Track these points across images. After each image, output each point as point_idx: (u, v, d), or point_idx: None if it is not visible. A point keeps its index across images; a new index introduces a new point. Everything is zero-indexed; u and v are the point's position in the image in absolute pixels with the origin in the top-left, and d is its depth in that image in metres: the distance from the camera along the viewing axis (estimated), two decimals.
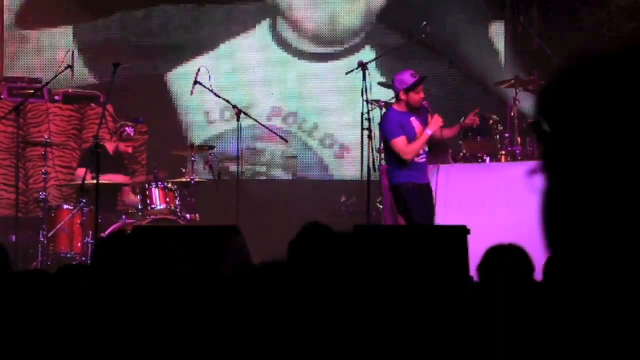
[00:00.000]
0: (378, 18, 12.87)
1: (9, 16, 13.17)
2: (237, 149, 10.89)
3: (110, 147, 11.05)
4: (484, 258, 4.28)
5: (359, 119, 9.96)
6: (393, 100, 10.97)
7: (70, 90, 12.19)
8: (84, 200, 10.43)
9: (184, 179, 10.87)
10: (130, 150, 11.29)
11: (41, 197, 10.36)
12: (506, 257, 4.40)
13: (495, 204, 9.39)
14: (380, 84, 11.14)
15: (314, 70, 12.95)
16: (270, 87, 12.96)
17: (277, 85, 12.96)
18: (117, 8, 13.12)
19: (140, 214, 10.50)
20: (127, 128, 11.20)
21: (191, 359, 3.12)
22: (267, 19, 13.08)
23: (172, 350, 3.15)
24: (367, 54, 12.29)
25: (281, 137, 11.35)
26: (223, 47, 13.07)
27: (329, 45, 12.98)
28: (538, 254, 6.74)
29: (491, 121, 10.29)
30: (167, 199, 10.58)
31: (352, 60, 11.26)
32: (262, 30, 13.07)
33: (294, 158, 12.94)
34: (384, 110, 10.69)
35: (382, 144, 10.52)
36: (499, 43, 12.56)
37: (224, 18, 13.09)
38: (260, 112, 12.39)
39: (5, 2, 13.19)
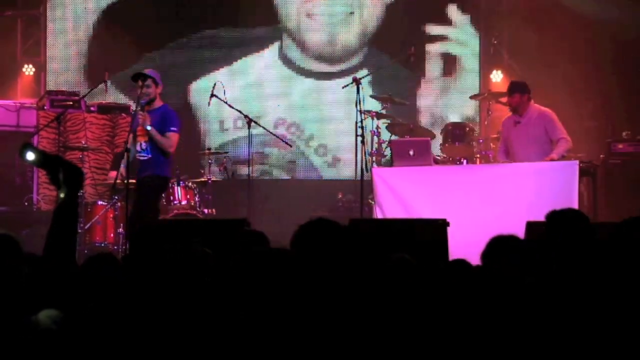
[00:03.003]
0: (372, 41, 12.88)
1: (52, 39, 13.21)
2: (248, 153, 10.89)
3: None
4: (488, 246, 4.22)
5: (354, 127, 9.96)
6: (384, 111, 11.00)
7: (104, 102, 12.21)
8: (116, 197, 10.44)
9: (202, 179, 10.88)
10: None
11: (79, 194, 10.37)
12: (508, 245, 4.30)
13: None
14: (372, 96, 11.15)
15: (315, 86, 12.97)
16: (277, 100, 12.97)
17: (282, 98, 12.97)
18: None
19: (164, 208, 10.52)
20: None
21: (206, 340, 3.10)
22: (277, 41, 13.09)
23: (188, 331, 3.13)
24: (364, 73, 12.34)
25: (286, 143, 11.36)
26: (237, 65, 13.08)
27: (330, 64, 12.99)
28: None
29: (467, 129, 10.29)
30: (188, 196, 10.59)
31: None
32: (271, 50, 13.08)
33: (295, 162, 12.97)
34: (375, 120, 10.72)
35: (374, 148, 10.53)
36: (474, 61, 12.57)
37: (239, 40, 13.10)
38: (268, 122, 12.43)
39: (49, 25, 13.22)
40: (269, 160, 12.96)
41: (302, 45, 13.00)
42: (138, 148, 8.93)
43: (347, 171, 12.40)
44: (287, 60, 13.03)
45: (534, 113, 9.67)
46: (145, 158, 8.88)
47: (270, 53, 13.05)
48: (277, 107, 12.88)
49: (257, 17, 12.98)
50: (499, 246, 4.10)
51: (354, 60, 12.89)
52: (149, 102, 8.92)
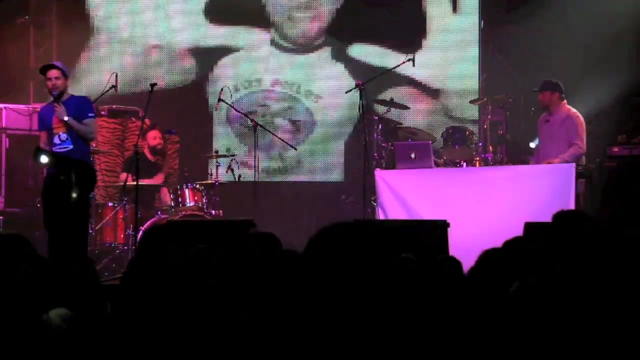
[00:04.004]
0: (329, 27, 12.99)
1: (62, 45, 13.22)
2: (255, 156, 10.89)
3: (146, 151, 11.06)
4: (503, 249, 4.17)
5: (353, 129, 9.96)
6: (386, 115, 10.98)
7: (114, 106, 12.21)
8: (125, 199, 10.44)
9: (209, 181, 10.87)
10: (159, 141, 11.22)
11: (90, 196, 10.36)
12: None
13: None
14: (375, 101, 11.13)
15: (294, 60, 13.09)
16: (268, 70, 13.10)
17: (272, 69, 13.09)
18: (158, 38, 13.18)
19: (173, 210, 10.50)
20: (146, 121, 11.23)
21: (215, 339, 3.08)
22: (265, 30, 13.20)
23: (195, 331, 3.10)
24: (326, 52, 12.76)
25: (291, 146, 11.35)
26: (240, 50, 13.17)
27: (299, 44, 13.13)
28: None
29: (467, 132, 10.27)
30: (196, 198, 10.58)
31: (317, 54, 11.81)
32: (262, 37, 13.19)
33: (300, 162, 12.95)
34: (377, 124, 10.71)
35: (376, 151, 10.51)
36: (474, 67, 12.55)
37: (239, 38, 13.15)
38: (265, 82, 12.85)
39: (59, 31, 13.23)
40: (276, 163, 12.94)
41: (282, 35, 13.13)
42: (57, 140, 8.56)
43: (350, 173, 12.39)
44: (273, 43, 13.19)
45: (563, 114, 9.70)
46: (67, 149, 8.53)
47: (261, 39, 13.19)
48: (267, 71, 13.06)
49: (249, 17, 13.10)
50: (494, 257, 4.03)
51: (319, 42, 13.01)
52: (60, 95, 8.62)
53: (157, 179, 11.02)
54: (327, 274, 3.25)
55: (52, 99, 8.61)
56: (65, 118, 8.46)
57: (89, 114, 8.63)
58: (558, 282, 3.68)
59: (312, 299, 3.12)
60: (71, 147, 8.51)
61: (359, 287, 3.34)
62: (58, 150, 8.51)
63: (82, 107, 8.60)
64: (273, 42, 13.18)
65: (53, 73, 8.60)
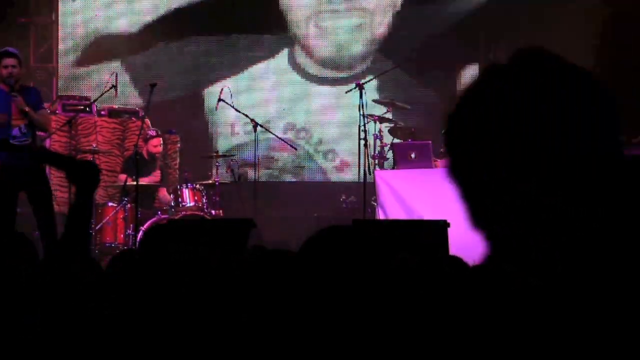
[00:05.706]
0: (380, 48, 12.84)
1: (64, 45, 13.21)
2: (255, 156, 10.89)
3: (144, 152, 11.07)
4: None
5: (357, 130, 9.95)
6: (386, 115, 10.98)
7: (114, 106, 12.21)
8: (125, 199, 10.43)
9: (210, 181, 10.87)
10: (160, 149, 11.22)
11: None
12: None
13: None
14: (375, 101, 11.12)
15: (323, 92, 12.94)
16: (285, 105, 12.96)
17: (291, 103, 12.95)
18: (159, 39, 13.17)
19: (173, 210, 10.49)
20: (149, 131, 11.22)
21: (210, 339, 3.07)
22: (286, 48, 13.06)
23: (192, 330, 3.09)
24: (367, 79, 12.27)
25: (292, 146, 11.35)
26: (247, 71, 13.07)
27: (337, 71, 12.97)
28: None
29: None
30: (196, 198, 10.58)
31: None
32: (281, 56, 13.06)
33: (304, 166, 12.95)
34: (377, 123, 10.70)
35: (376, 152, 10.51)
36: (474, 68, 12.55)
37: (249, 46, 13.09)
38: (277, 126, 12.45)
39: (60, 33, 13.23)
40: (277, 164, 12.94)
41: (309, 53, 12.97)
42: (16, 133, 8.25)
43: (350, 173, 12.39)
44: (296, 67, 13.01)
45: None
46: (28, 142, 8.30)
47: (279, 59, 13.03)
48: (283, 110, 12.86)
49: (268, 24, 12.96)
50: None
51: (361, 67, 12.85)
52: (15, 83, 8.35)
53: (154, 177, 11.01)
54: (324, 274, 3.24)
55: (5, 87, 8.33)
56: (27, 109, 8.25)
57: (44, 105, 8.55)
58: (559, 282, 3.67)
59: (311, 300, 3.12)
60: (31, 140, 8.35)
61: (358, 288, 3.34)
62: (17, 143, 8.27)
63: (36, 97, 8.47)
64: (293, 64, 13.09)
65: (10, 61, 8.35)
